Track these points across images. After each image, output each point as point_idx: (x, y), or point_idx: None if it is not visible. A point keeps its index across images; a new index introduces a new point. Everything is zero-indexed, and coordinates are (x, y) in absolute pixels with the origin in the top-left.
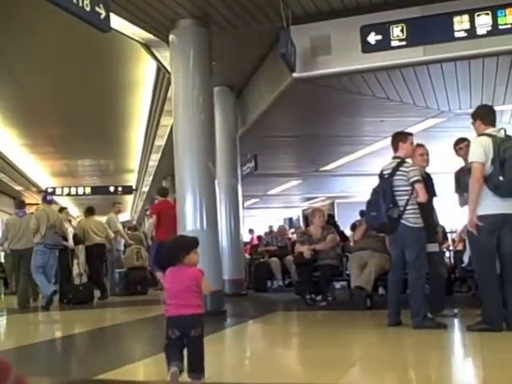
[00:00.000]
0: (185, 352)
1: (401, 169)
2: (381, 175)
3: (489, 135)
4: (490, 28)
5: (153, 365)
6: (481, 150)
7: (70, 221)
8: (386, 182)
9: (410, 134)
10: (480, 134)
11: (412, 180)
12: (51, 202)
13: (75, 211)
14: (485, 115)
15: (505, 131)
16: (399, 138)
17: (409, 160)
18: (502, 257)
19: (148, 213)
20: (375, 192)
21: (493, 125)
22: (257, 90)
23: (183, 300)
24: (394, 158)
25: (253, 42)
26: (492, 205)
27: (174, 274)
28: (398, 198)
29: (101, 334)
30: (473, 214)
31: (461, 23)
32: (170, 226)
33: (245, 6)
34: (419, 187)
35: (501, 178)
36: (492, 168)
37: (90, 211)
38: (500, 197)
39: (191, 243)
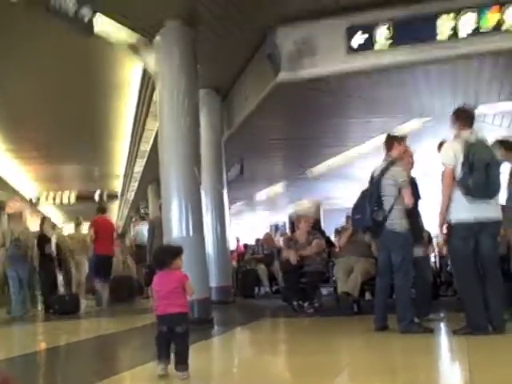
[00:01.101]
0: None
1: (391, 168)
2: (371, 177)
3: (461, 139)
4: (473, 29)
5: (144, 373)
6: (451, 153)
7: (53, 227)
8: (374, 185)
9: (405, 137)
10: (454, 138)
11: (400, 183)
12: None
13: (60, 217)
14: (463, 117)
15: (477, 134)
16: (395, 138)
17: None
18: (481, 260)
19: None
20: (363, 195)
21: (470, 126)
22: (243, 93)
23: (170, 300)
24: (386, 158)
25: (238, 44)
26: (467, 210)
27: (162, 278)
28: (384, 198)
29: (89, 344)
30: (442, 217)
31: (445, 24)
32: (106, 240)
33: (230, 9)
34: (405, 192)
35: (470, 181)
36: (462, 172)
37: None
38: (473, 198)
39: (177, 250)
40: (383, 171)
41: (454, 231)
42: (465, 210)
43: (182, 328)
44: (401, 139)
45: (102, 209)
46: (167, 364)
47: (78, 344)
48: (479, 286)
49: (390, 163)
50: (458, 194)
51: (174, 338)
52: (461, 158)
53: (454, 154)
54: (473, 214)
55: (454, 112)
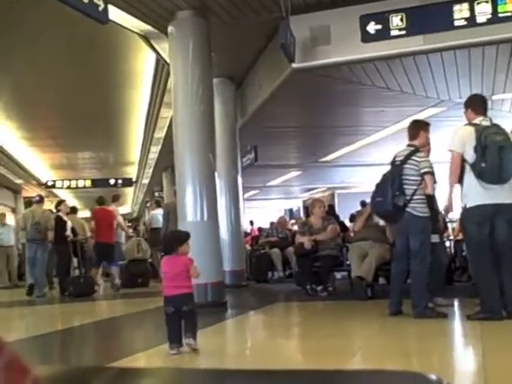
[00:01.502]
0: None
1: (413, 157)
2: (393, 162)
3: (473, 124)
4: (489, 16)
5: (157, 354)
6: (457, 140)
7: (68, 213)
8: (396, 169)
9: (429, 124)
10: (466, 124)
11: (423, 171)
12: (39, 202)
13: (75, 204)
14: (475, 104)
15: (490, 120)
16: (421, 126)
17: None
18: (497, 245)
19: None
20: (385, 178)
21: (483, 114)
22: (256, 81)
23: (177, 282)
24: (409, 145)
25: (252, 32)
26: (481, 195)
27: (169, 262)
28: (406, 186)
29: (103, 326)
30: (449, 201)
31: (460, 11)
32: (107, 229)
33: None
34: (428, 179)
35: (483, 165)
36: (475, 155)
37: (72, 210)
38: (487, 182)
39: (184, 236)
40: (405, 159)
41: (469, 216)
42: (479, 195)
43: (187, 307)
44: (426, 127)
45: (102, 201)
46: (179, 347)
47: (91, 325)
48: (494, 271)
49: (414, 150)
50: (472, 179)
51: (182, 317)
52: (473, 142)
53: (460, 140)
54: (487, 198)
55: (467, 99)
